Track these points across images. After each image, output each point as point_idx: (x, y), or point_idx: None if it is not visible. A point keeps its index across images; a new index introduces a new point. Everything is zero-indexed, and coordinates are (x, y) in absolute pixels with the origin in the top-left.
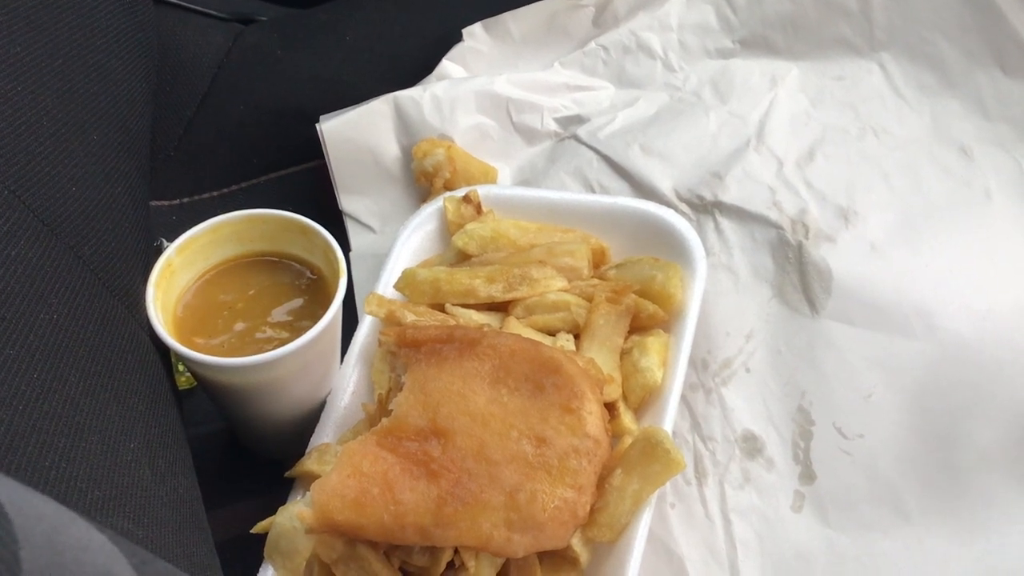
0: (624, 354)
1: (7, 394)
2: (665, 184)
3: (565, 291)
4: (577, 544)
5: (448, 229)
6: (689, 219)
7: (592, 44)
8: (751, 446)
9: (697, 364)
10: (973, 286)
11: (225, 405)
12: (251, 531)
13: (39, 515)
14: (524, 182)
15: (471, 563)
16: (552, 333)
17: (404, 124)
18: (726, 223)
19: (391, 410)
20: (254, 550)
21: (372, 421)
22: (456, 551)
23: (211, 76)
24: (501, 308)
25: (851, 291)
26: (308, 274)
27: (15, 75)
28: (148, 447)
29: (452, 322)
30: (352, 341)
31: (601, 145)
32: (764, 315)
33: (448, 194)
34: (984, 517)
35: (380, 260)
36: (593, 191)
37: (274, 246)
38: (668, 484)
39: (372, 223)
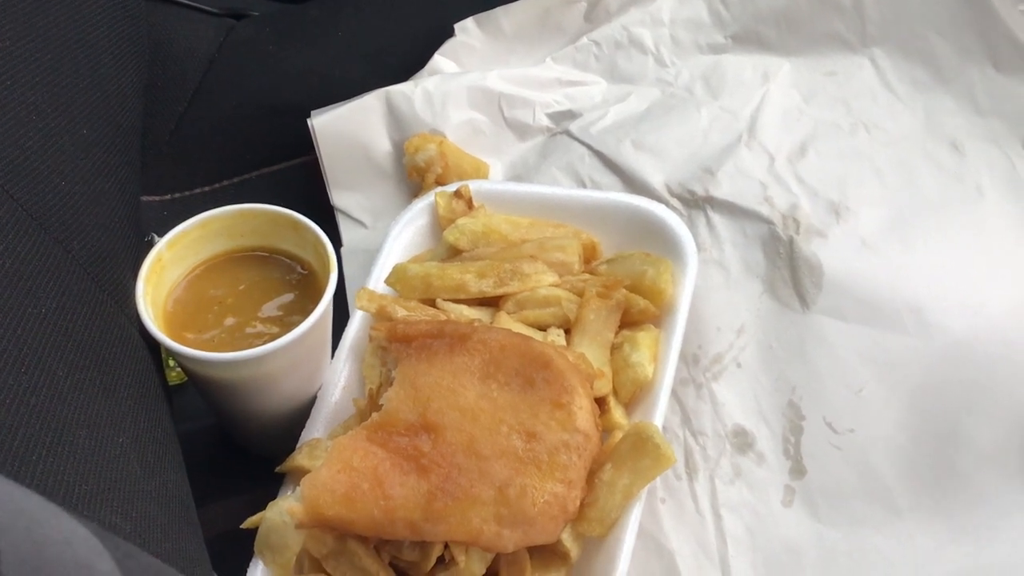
0: (615, 349)
1: None
2: (656, 179)
3: (556, 286)
4: (567, 539)
5: (439, 224)
6: (680, 214)
7: (584, 39)
8: (742, 441)
9: (688, 359)
10: (965, 282)
11: (215, 400)
12: (241, 526)
13: (19, 508)
14: (516, 177)
15: (461, 558)
16: (543, 328)
17: (396, 119)
18: (717, 218)
19: (381, 405)
20: (244, 545)
21: (362, 416)
22: (446, 546)
23: (202, 71)
24: (492, 303)
25: (842, 286)
26: (299, 269)
27: (4, 69)
28: (137, 442)
29: (443, 317)
30: (343, 336)
31: (593, 140)
32: (755, 310)
33: (439, 189)
34: (976, 512)
35: (371, 255)
36: (584, 186)
37: (265, 241)
38: (658, 479)
39: (363, 218)
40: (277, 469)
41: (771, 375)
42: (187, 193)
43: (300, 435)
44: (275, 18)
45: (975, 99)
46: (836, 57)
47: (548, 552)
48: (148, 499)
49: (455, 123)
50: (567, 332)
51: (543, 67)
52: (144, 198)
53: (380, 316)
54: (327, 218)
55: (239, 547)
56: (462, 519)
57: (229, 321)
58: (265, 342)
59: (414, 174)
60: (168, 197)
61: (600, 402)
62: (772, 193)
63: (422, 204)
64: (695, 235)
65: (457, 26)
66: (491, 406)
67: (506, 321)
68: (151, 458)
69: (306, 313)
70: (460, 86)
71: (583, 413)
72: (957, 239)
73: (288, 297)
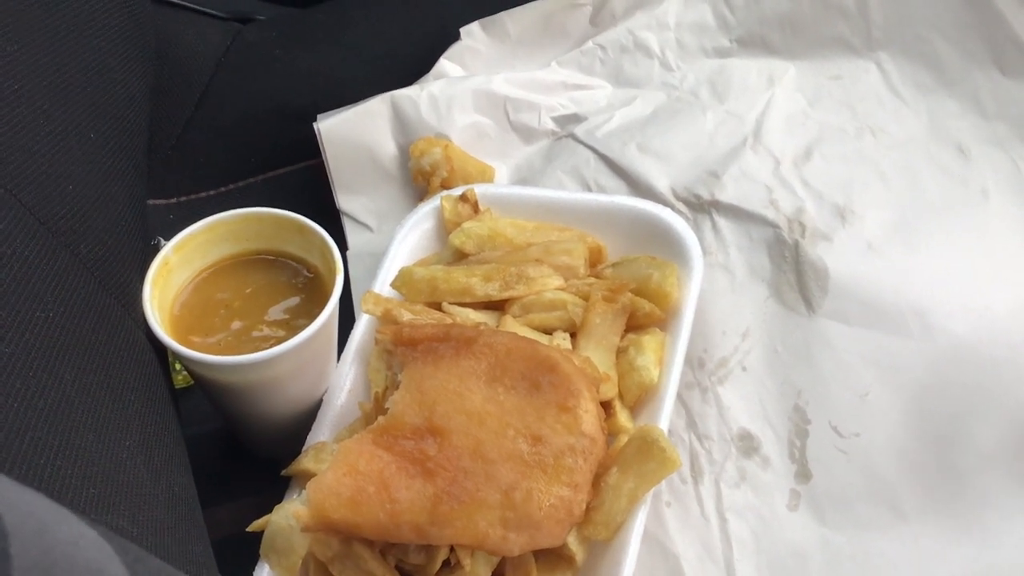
0: (620, 353)
1: (1, 391)
2: (662, 183)
3: (562, 290)
4: (573, 542)
5: (445, 228)
6: (686, 218)
7: (589, 43)
8: (747, 445)
9: (693, 363)
10: (970, 285)
11: (222, 404)
12: (247, 529)
13: (29, 511)
14: (521, 181)
15: (467, 561)
16: (548, 332)
17: (401, 123)
18: (723, 222)
19: (387, 408)
20: (250, 548)
21: (368, 419)
22: (452, 549)
23: (209, 75)
24: (498, 307)
25: (847, 290)
26: (305, 272)
27: (12, 73)
28: (144, 445)
29: (449, 320)
30: (349, 339)
31: (598, 144)
32: (760, 314)
33: (445, 193)
34: (981, 516)
35: (377, 258)
36: (590, 190)
37: (271, 244)
38: (664, 483)
39: (369, 222)
40: (283, 472)
41: (776, 379)
42: (194, 197)
43: (306, 438)
44: (281, 22)
45: (980, 103)
46: (841, 61)
47: (554, 556)
48: (154, 502)
49: (460, 127)
50: (573, 336)
51: (548, 71)
52: (151, 202)
53: (386, 319)
54: (333, 222)
55: (245, 550)
56: (468, 523)
57: (235, 324)
58: (271, 345)
59: (419, 178)
60: (175, 201)
61: (606, 406)
62: (777, 197)
63: (428, 208)
64: (700, 239)
65: (463, 30)
66: (497, 410)
67: (512, 325)
68: (158, 461)
69: (312, 317)
70: (465, 90)
71: (589, 417)
72: (961, 242)
73: (294, 300)
